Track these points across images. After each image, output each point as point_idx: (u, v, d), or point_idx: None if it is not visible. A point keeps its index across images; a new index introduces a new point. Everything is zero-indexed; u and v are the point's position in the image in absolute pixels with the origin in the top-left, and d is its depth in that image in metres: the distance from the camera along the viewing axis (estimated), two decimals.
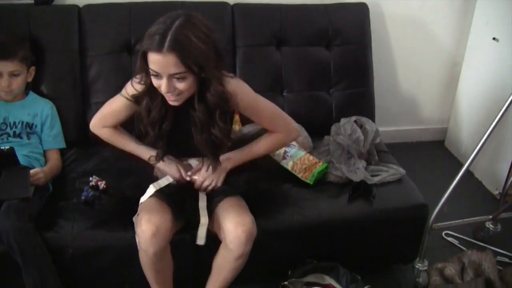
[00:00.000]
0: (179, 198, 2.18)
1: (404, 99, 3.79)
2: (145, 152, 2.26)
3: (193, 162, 2.28)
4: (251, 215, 2.09)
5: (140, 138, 2.23)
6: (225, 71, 2.07)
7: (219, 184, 2.22)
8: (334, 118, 2.96)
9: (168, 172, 2.25)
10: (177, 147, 2.23)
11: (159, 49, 1.82)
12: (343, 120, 2.77)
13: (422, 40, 3.60)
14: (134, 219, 2.16)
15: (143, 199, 2.15)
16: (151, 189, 2.16)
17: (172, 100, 1.99)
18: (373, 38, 3.14)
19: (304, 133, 2.76)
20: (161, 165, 2.26)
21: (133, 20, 2.80)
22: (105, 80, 2.79)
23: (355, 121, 2.74)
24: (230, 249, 2.05)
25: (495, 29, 3.29)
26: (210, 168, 2.21)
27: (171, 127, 2.13)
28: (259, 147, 2.29)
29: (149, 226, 1.98)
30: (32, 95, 2.65)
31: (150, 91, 2.03)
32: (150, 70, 1.91)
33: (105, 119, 2.30)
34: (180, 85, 1.91)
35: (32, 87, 2.68)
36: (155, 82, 1.94)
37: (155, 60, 1.86)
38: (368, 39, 3.11)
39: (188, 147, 2.17)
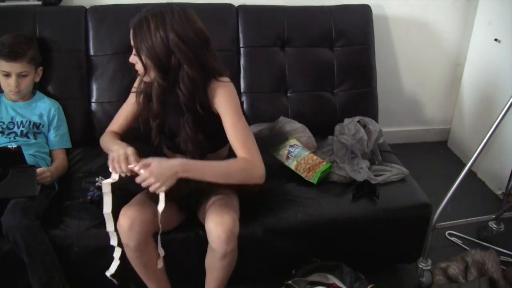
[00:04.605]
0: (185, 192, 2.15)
1: (407, 99, 3.80)
2: (121, 145, 2.06)
3: None
4: (234, 214, 2.04)
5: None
6: (224, 75, 2.08)
7: (161, 188, 1.89)
8: (337, 118, 2.97)
9: (116, 155, 1.95)
10: (168, 142, 2.24)
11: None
12: (346, 120, 2.78)
13: (424, 41, 3.61)
14: None
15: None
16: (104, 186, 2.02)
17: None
18: (376, 39, 3.16)
19: (308, 133, 2.77)
20: (115, 149, 2.00)
21: None
22: (111, 80, 2.82)
23: (359, 121, 2.76)
24: (214, 249, 2.03)
25: (497, 30, 3.30)
26: (160, 167, 1.90)
27: (165, 122, 2.17)
28: (218, 165, 2.02)
29: (124, 220, 2.01)
30: (39, 95, 2.66)
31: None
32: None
33: (114, 120, 2.32)
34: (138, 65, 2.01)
35: (39, 87, 2.70)
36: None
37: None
38: (371, 40, 3.13)
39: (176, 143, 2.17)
